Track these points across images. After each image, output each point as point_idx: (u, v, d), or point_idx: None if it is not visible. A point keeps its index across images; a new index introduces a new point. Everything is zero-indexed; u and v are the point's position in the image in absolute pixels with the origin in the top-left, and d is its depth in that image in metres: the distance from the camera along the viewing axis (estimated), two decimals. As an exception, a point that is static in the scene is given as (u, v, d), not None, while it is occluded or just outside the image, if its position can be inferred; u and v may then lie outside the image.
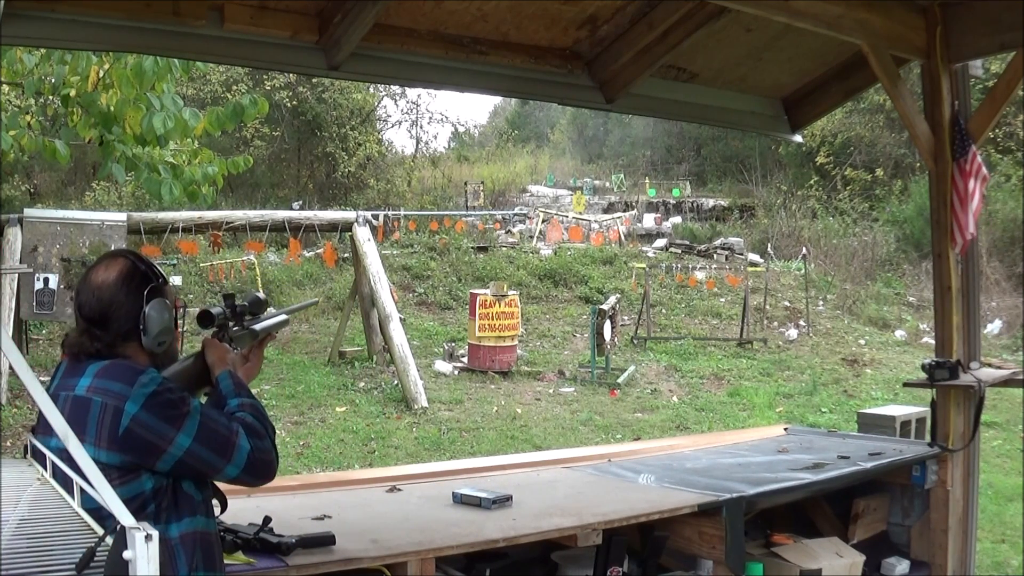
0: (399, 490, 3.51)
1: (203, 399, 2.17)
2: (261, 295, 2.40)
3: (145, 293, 2.03)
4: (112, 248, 10.58)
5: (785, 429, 5.16)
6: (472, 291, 13.49)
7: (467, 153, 31.43)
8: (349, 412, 10.37)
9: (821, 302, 17.33)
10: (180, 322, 2.23)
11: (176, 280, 12.69)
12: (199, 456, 1.95)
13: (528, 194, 28.04)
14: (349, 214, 12.87)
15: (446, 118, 33.37)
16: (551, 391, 11.88)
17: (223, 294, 2.38)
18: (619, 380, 12.23)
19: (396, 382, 11.26)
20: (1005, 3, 3.97)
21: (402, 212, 21.25)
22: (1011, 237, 17.94)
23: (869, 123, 23.45)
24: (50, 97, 5.79)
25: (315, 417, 10.10)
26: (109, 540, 1.33)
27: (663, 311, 16.43)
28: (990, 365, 4.49)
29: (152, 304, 2.03)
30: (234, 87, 21.07)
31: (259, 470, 2.05)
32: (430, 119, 33.91)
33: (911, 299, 17.81)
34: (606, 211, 25.29)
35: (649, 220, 24.50)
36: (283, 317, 2.46)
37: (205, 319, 2.24)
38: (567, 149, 35.10)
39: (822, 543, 3.98)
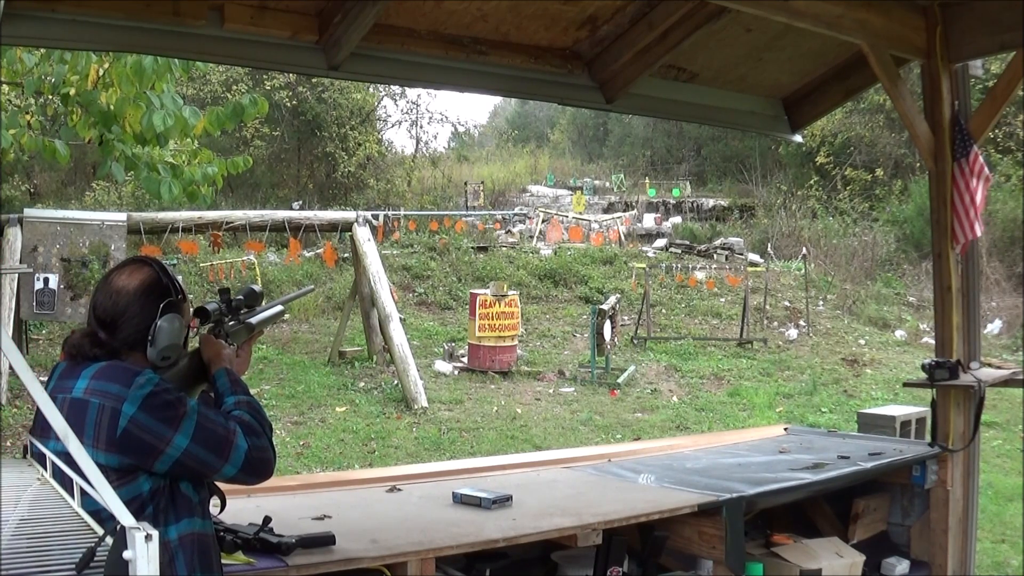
0: (399, 490, 3.50)
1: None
2: (256, 287, 2.38)
3: (161, 306, 2.02)
4: (112, 248, 10.72)
5: (785, 429, 5.16)
6: (472, 291, 13.48)
7: (467, 153, 31.40)
8: (349, 412, 10.37)
9: (821, 302, 17.33)
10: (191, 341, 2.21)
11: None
12: (197, 456, 1.94)
13: (528, 194, 28.02)
14: (349, 214, 12.86)
15: (446, 118, 33.28)
16: (551, 391, 11.88)
17: (219, 289, 2.38)
18: (619, 380, 12.22)
19: (396, 382, 11.26)
20: (1005, 3, 3.97)
21: (402, 212, 21.23)
22: (1011, 237, 17.95)
23: (869, 123, 23.45)
24: (50, 96, 5.78)
25: (315, 417, 10.10)
26: (109, 540, 1.32)
27: (663, 311, 16.42)
28: (990, 365, 4.49)
29: (165, 318, 2.02)
30: (234, 87, 21.06)
31: (257, 469, 2.04)
32: (430, 119, 33.78)
33: (911, 299, 17.81)
34: (606, 211, 25.28)
35: (649, 220, 24.50)
36: (278, 308, 2.45)
37: (200, 315, 2.23)
38: (567, 149, 35.09)
39: (822, 543, 3.98)
